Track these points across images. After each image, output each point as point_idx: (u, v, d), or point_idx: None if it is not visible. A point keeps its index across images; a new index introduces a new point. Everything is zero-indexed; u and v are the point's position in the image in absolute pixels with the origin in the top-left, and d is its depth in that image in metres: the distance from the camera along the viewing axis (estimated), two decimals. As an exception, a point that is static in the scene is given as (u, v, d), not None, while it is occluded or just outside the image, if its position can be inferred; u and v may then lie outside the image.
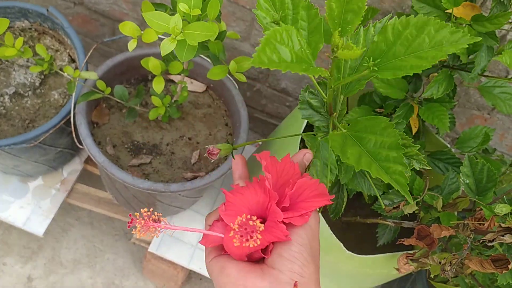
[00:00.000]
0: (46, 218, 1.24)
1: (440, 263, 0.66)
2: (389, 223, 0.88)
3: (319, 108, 0.73)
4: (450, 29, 0.39)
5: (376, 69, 0.42)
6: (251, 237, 0.44)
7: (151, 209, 0.46)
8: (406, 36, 0.42)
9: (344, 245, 1.08)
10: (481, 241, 0.62)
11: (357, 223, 1.02)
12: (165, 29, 0.57)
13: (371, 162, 0.43)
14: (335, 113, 0.59)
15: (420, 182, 0.90)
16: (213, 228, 0.49)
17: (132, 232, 0.45)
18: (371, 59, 0.43)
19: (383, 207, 0.85)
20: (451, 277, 0.68)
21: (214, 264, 0.48)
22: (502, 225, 0.61)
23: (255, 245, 0.44)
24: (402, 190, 0.41)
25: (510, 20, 0.81)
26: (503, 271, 0.64)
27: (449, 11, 0.78)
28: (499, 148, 1.37)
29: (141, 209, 0.46)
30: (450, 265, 0.63)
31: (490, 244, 0.62)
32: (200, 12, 0.60)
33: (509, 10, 0.74)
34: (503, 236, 0.60)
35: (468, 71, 0.84)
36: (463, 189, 0.76)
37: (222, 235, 0.47)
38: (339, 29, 0.45)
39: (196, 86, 1.17)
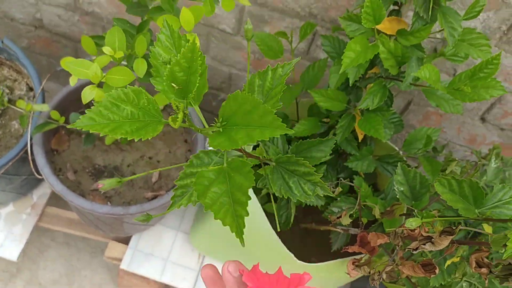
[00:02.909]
0: (19, 243, 1.27)
1: (369, 272, 0.70)
2: (338, 230, 0.91)
3: None
4: (272, 115, 0.43)
5: (220, 130, 0.46)
6: None
7: None
8: (243, 109, 0.46)
9: (304, 250, 1.12)
10: (406, 249, 0.66)
11: (314, 229, 1.06)
12: (86, 76, 0.60)
13: (230, 207, 0.50)
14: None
15: (367, 188, 0.94)
16: None
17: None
18: (221, 120, 0.47)
19: (328, 216, 0.89)
20: (389, 282, 0.72)
21: None
22: (423, 233, 0.65)
23: None
24: (237, 234, 0.48)
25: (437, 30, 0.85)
26: (431, 276, 0.68)
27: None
28: (457, 141, 1.41)
29: None
30: (378, 274, 0.67)
31: (414, 252, 0.65)
32: (123, 55, 0.63)
33: (429, 24, 0.77)
34: (424, 245, 0.64)
35: (401, 81, 0.87)
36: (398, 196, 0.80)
37: None
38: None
39: (154, 105, 1.20)
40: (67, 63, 0.60)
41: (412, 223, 0.60)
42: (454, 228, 0.61)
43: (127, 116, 0.45)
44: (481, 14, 1.02)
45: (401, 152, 1.06)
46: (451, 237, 0.60)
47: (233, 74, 1.45)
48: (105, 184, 0.58)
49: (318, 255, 1.06)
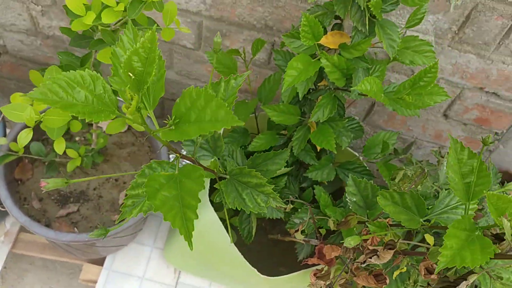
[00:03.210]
0: (-6, 272, 1.27)
1: (320, 287, 0.71)
2: (300, 241, 0.93)
3: (203, 144, 0.78)
4: (225, 109, 0.46)
5: (173, 128, 0.47)
6: None
7: None
8: (197, 105, 0.48)
9: (271, 260, 1.13)
10: (354, 263, 0.67)
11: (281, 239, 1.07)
12: (22, 119, 0.61)
13: (179, 210, 0.52)
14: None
15: (326, 198, 0.95)
16: None
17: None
18: (173, 118, 0.48)
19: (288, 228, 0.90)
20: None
21: None
22: (369, 247, 0.66)
23: None
24: (185, 237, 0.50)
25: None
26: (383, 286, 0.69)
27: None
28: (424, 138, 1.43)
29: None
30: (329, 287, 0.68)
31: (362, 265, 0.67)
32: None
33: (369, 37, 0.78)
34: (370, 258, 0.66)
35: (349, 91, 0.89)
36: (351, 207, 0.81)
37: None
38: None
39: (117, 126, 1.20)
40: (5, 108, 0.61)
41: (350, 242, 0.62)
42: (395, 241, 0.62)
43: (82, 99, 0.46)
44: (430, 16, 1.03)
45: (361, 158, 1.07)
46: (393, 250, 0.62)
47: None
48: (49, 183, 0.57)
49: (287, 264, 1.07)
